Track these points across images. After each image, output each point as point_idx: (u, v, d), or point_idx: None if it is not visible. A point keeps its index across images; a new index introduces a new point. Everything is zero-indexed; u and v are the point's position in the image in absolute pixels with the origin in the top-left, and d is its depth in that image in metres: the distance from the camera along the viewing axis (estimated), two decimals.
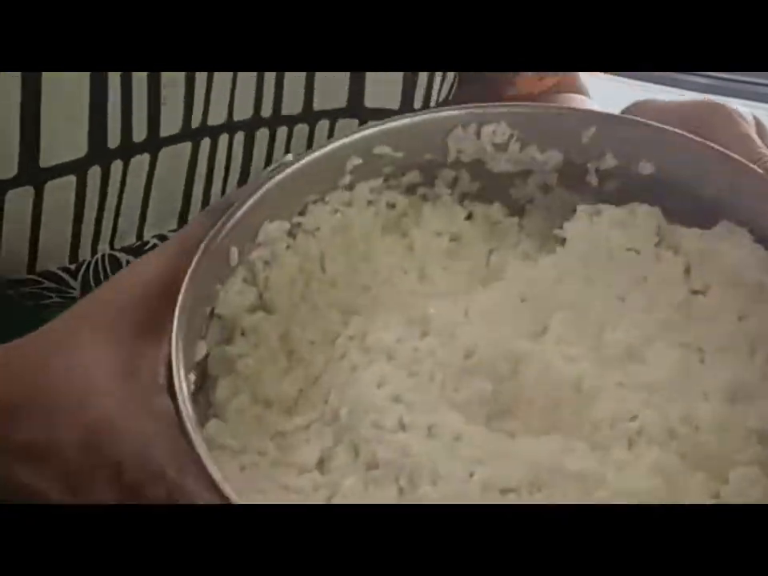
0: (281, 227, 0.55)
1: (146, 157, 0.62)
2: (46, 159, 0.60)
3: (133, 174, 0.63)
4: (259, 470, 0.50)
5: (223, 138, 0.64)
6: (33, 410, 0.50)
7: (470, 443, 0.49)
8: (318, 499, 0.48)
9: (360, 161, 0.56)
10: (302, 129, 0.66)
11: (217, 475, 0.45)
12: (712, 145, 0.55)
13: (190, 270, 0.51)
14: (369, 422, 0.50)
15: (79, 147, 0.60)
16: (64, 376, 0.50)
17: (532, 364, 0.51)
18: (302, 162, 0.55)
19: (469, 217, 0.60)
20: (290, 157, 0.56)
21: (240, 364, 0.53)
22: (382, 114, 0.63)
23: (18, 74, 0.57)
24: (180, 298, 0.50)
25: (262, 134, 0.65)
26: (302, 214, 0.56)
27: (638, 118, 0.56)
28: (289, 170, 0.55)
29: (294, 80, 0.64)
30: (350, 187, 0.57)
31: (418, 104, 0.67)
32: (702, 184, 0.55)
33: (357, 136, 0.57)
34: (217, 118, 0.63)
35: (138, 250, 0.65)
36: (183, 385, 0.47)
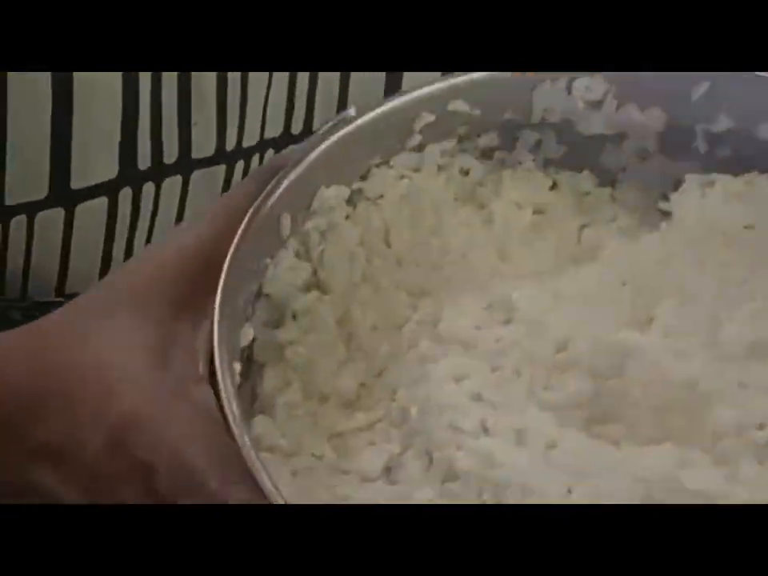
0: (339, 193, 0.48)
1: (178, 178, 0.61)
2: (77, 181, 0.59)
3: (165, 195, 0.61)
4: (314, 476, 0.42)
5: (255, 158, 0.62)
6: (55, 403, 0.43)
7: (567, 452, 0.41)
8: None
9: (432, 118, 0.49)
10: None
11: (268, 486, 0.37)
12: None
13: (234, 242, 0.43)
14: (444, 423, 0.42)
15: (110, 169, 0.59)
16: (89, 363, 0.43)
17: (638, 360, 0.43)
18: (365, 118, 0.48)
19: (553, 187, 0.52)
20: (352, 111, 0.48)
21: (290, 352, 0.46)
22: None
23: (50, 95, 0.56)
24: (223, 275, 0.42)
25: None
26: (363, 178, 0.49)
27: (761, 74, 0.48)
28: (350, 128, 0.47)
29: (327, 96, 0.62)
30: (419, 149, 0.49)
31: None
32: None
33: (429, 89, 0.49)
34: (251, 139, 0.62)
35: None
36: (227, 379, 0.40)
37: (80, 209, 0.60)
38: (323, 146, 0.47)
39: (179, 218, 0.63)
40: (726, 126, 0.49)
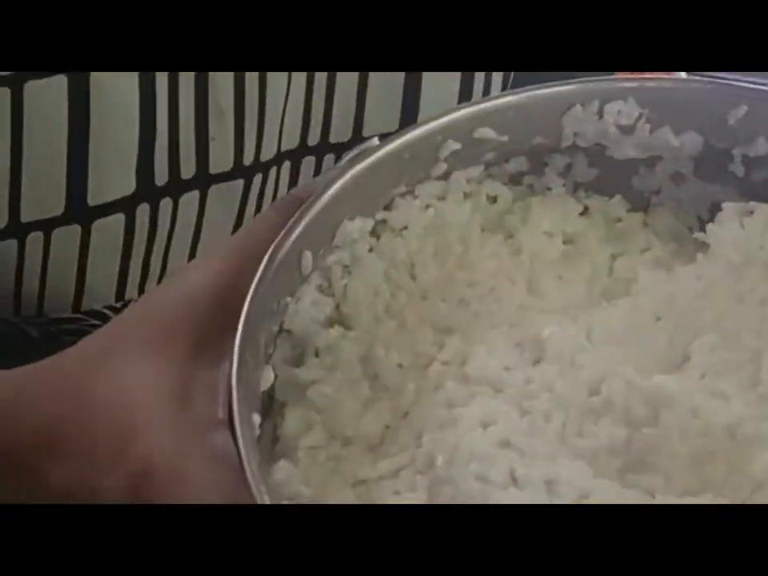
0: (363, 225, 0.46)
1: (195, 194, 0.60)
2: (94, 197, 0.58)
3: (183, 211, 0.60)
4: None
5: (273, 171, 0.61)
6: (73, 445, 0.42)
7: (600, 503, 0.39)
8: None
9: (458, 146, 0.47)
10: None
11: None
12: None
13: (254, 282, 0.42)
14: (471, 473, 0.40)
15: (127, 185, 0.58)
16: (108, 405, 0.42)
17: (675, 405, 0.41)
18: (389, 147, 0.46)
19: (583, 212, 0.50)
20: (375, 140, 0.46)
21: (313, 392, 0.44)
22: None
23: (66, 110, 0.55)
24: (242, 317, 0.41)
25: (308, 161, 0.62)
26: (387, 208, 0.47)
27: None
28: (373, 158, 0.46)
29: (344, 107, 0.61)
30: (445, 177, 0.48)
31: None
32: None
33: (454, 116, 0.47)
34: (268, 153, 0.60)
35: None
36: (246, 434, 0.38)
37: (97, 225, 0.59)
38: (346, 178, 0.45)
39: (197, 233, 0.62)
40: (765, 150, 0.47)
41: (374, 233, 0.47)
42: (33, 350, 0.62)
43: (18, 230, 0.58)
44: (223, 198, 0.61)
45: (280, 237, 0.43)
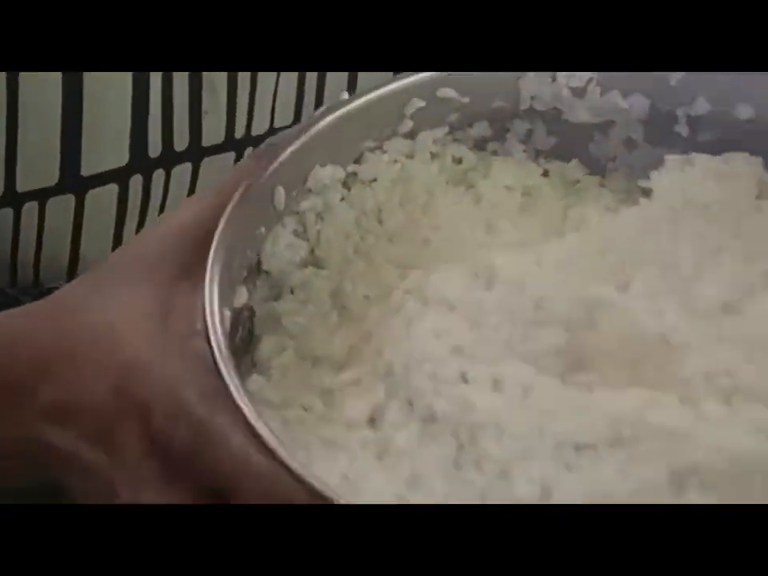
0: (334, 173, 0.50)
1: (188, 166, 0.62)
2: (88, 168, 0.59)
3: (175, 182, 0.62)
4: (304, 425, 0.44)
5: None
6: (62, 364, 0.46)
7: (541, 396, 0.43)
8: (367, 457, 0.42)
9: (422, 104, 0.51)
10: None
11: (250, 413, 0.39)
12: None
13: (229, 207, 0.46)
14: (425, 373, 0.44)
15: (121, 156, 0.59)
16: (96, 325, 0.46)
17: (611, 313, 0.44)
18: (357, 102, 0.50)
19: (544, 175, 0.54)
20: (345, 95, 0.51)
21: (287, 320, 0.48)
22: None
23: (60, 82, 0.57)
24: (217, 232, 0.45)
25: None
26: (357, 162, 0.51)
27: None
28: (342, 111, 0.50)
29: (336, 85, 0.63)
30: (412, 135, 0.52)
31: None
32: None
33: (419, 77, 0.51)
34: (260, 128, 0.62)
35: None
36: (216, 319, 0.42)
37: (90, 195, 0.61)
38: (317, 127, 0.49)
39: None
40: (705, 109, 0.51)
41: (345, 185, 0.51)
42: None
43: (14, 199, 0.60)
44: (215, 170, 0.63)
45: (255, 173, 0.47)
